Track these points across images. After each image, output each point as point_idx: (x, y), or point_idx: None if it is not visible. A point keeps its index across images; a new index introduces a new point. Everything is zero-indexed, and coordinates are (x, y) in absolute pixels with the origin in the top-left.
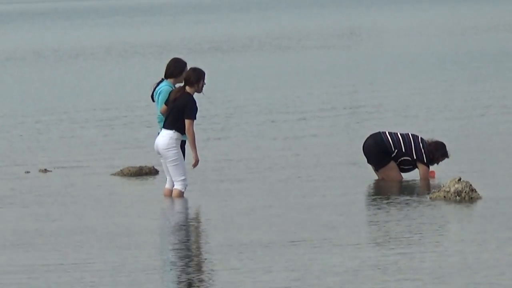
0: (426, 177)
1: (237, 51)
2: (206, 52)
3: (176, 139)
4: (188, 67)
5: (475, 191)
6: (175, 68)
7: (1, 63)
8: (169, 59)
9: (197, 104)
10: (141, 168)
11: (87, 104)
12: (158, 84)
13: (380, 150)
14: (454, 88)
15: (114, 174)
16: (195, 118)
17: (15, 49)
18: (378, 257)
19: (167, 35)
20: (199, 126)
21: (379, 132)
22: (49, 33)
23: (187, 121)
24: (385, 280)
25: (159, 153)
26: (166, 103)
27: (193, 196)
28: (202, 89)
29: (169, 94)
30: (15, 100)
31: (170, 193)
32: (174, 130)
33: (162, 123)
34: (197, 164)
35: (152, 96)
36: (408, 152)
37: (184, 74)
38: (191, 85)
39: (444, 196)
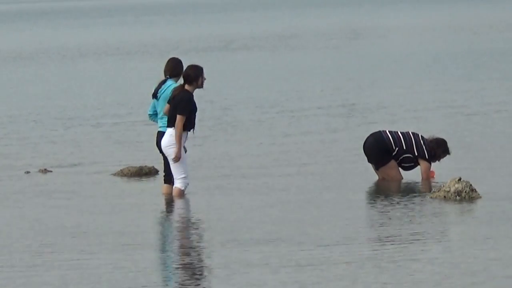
0: (428, 174)
1: (238, 51)
2: (207, 52)
3: None
4: (187, 65)
5: (475, 191)
6: (180, 68)
7: (1, 62)
8: (169, 59)
9: (196, 102)
10: (141, 168)
11: (87, 104)
12: (163, 82)
13: (381, 149)
14: (454, 87)
15: (114, 174)
16: (186, 115)
17: (15, 49)
18: (378, 256)
19: (169, 35)
20: (200, 123)
21: (380, 131)
22: (50, 32)
23: (178, 116)
24: (385, 279)
25: (163, 151)
26: (169, 102)
27: (193, 195)
28: (202, 84)
29: (171, 93)
30: (15, 99)
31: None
32: (173, 128)
33: (159, 120)
34: (178, 160)
35: (155, 94)
36: (409, 149)
37: (183, 73)
38: (190, 83)
39: (444, 196)
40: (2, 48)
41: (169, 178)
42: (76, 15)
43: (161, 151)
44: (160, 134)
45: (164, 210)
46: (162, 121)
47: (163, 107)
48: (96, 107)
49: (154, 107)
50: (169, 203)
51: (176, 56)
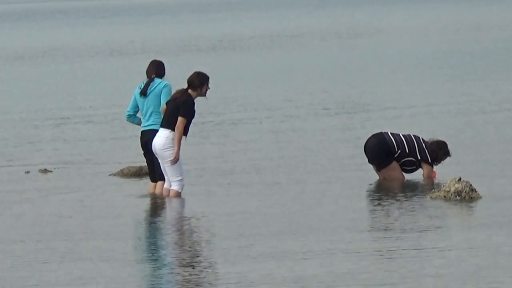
0: (431, 177)
1: (238, 50)
2: (206, 51)
3: (173, 139)
4: (194, 71)
5: (475, 191)
6: (163, 69)
7: (1, 62)
8: (151, 61)
9: (196, 107)
10: (141, 168)
11: (88, 104)
12: (151, 80)
13: (383, 150)
14: (454, 87)
15: (114, 174)
16: (188, 119)
17: (15, 49)
18: (377, 256)
19: (168, 34)
20: (199, 123)
21: (382, 132)
22: (50, 32)
23: (180, 118)
24: (385, 279)
25: (156, 153)
26: (167, 103)
27: (192, 195)
28: (206, 93)
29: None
30: (15, 99)
31: (167, 193)
32: (170, 130)
33: (146, 119)
34: (176, 161)
35: (144, 92)
36: (412, 152)
37: (188, 78)
38: (193, 89)
39: (444, 196)
40: (1, 47)
41: (156, 177)
42: (76, 15)
43: (146, 151)
44: (148, 133)
45: (164, 210)
46: (150, 120)
47: (152, 104)
48: (97, 107)
49: (135, 106)
50: (168, 203)
51: (157, 59)
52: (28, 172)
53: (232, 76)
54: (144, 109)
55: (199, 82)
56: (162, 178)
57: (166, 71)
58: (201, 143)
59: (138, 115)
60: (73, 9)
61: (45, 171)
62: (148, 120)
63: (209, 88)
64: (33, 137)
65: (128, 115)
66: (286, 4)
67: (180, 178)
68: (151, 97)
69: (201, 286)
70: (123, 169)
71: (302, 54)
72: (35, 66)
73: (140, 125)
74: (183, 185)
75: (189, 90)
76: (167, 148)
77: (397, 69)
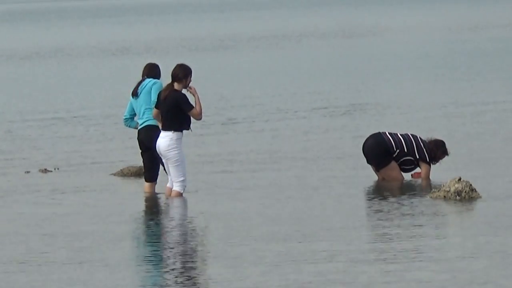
0: (428, 176)
1: (238, 50)
2: (207, 51)
3: (177, 139)
4: (176, 64)
5: (475, 191)
6: (157, 70)
7: (2, 62)
8: (146, 64)
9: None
10: (141, 168)
11: (87, 104)
12: (142, 81)
13: (382, 150)
14: (454, 87)
15: (114, 174)
16: (191, 108)
17: (14, 48)
18: (377, 257)
19: (167, 34)
20: (199, 122)
21: (380, 133)
22: (49, 32)
23: (192, 113)
24: (385, 279)
25: (161, 154)
26: (157, 106)
27: (193, 195)
28: (187, 86)
29: (158, 95)
30: (15, 99)
31: (170, 192)
32: (172, 131)
33: (141, 117)
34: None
35: (135, 92)
36: (411, 152)
37: (171, 71)
38: (179, 81)
39: (444, 196)
40: (4, 48)
41: (151, 176)
42: (77, 15)
43: (142, 149)
44: (143, 130)
45: (165, 211)
46: (145, 117)
47: (144, 102)
48: (96, 107)
49: (132, 110)
50: (169, 203)
51: (152, 61)
52: (28, 172)
53: (233, 76)
54: (138, 108)
55: (183, 74)
56: (149, 178)
57: (166, 71)
58: (201, 142)
59: (136, 119)
60: (74, 9)
61: (45, 171)
62: (142, 118)
63: (191, 81)
64: (33, 137)
65: (125, 119)
66: (286, 4)
67: (182, 178)
68: (142, 96)
69: (198, 287)
70: (123, 169)
71: (302, 54)
72: (36, 66)
73: (137, 128)
74: (185, 186)
75: (175, 84)
76: (172, 149)
77: (396, 68)
